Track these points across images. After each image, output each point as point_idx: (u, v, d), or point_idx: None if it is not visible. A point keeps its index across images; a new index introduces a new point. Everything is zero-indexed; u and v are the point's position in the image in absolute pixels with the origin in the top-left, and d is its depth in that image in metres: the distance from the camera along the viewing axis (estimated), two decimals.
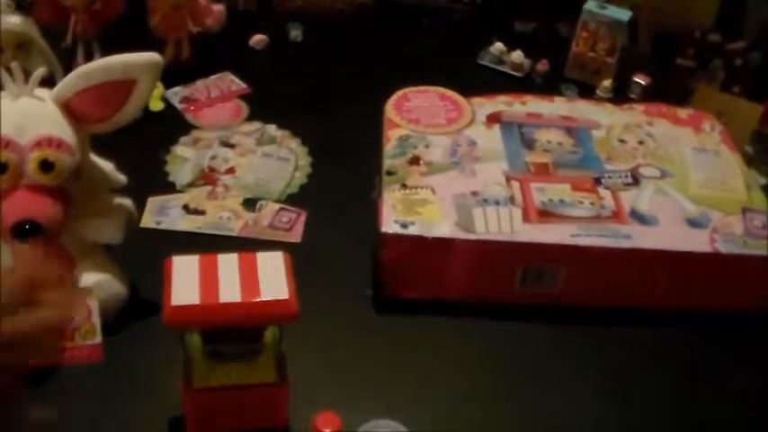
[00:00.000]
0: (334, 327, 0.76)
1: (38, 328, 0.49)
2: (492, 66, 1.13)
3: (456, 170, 0.80)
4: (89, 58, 1.03)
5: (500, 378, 0.73)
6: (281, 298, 0.59)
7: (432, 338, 0.76)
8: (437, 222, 0.74)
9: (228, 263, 0.61)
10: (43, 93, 0.67)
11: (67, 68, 1.00)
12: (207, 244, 0.82)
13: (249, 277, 0.59)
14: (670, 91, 1.59)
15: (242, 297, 0.58)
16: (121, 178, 0.75)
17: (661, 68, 1.63)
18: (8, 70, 0.65)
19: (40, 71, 0.66)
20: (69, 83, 0.67)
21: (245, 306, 0.58)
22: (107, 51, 1.02)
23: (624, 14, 1.07)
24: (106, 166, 0.74)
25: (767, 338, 0.78)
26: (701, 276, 0.77)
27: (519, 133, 0.86)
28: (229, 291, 0.59)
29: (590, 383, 0.73)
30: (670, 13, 1.61)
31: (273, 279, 0.60)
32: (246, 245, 0.82)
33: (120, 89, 0.67)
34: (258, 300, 0.58)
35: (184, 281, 0.59)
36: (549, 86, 1.10)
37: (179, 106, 1.01)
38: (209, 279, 0.59)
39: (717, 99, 1.51)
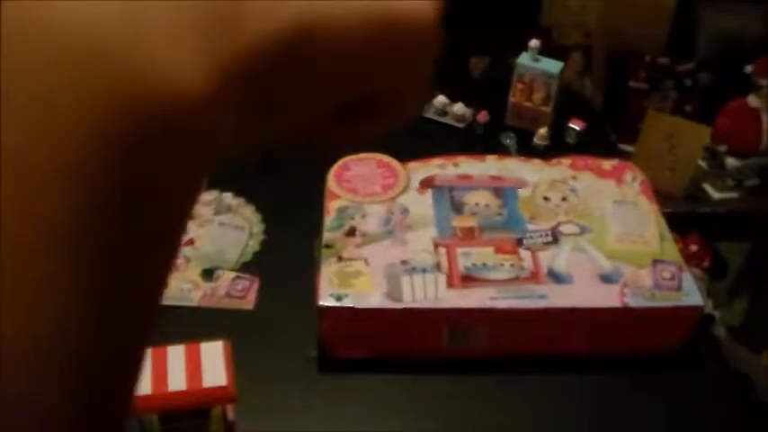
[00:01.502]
0: (281, 388, 0.84)
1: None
2: (436, 118, 1.21)
3: (389, 239, 0.88)
4: None
5: (436, 428, 0.81)
6: (220, 385, 0.67)
7: (371, 393, 0.84)
8: (368, 293, 0.82)
9: (176, 353, 0.69)
10: None
11: None
12: (169, 315, 0.90)
13: (193, 367, 0.68)
14: (625, 114, 1.67)
15: (187, 385, 0.67)
16: None
17: (615, 91, 1.70)
18: None
19: None
20: None
21: (189, 393, 0.67)
22: None
23: (555, 66, 1.15)
24: None
25: (674, 375, 0.87)
26: (613, 328, 0.84)
27: (449, 197, 0.94)
28: (177, 379, 0.67)
29: (524, 426, 0.81)
30: (623, 37, 1.68)
31: (214, 367, 0.68)
32: (205, 315, 0.91)
33: None
34: (200, 387, 0.67)
35: None
36: (489, 135, 1.18)
37: None
38: (159, 369, 0.68)
39: (666, 122, 1.59)
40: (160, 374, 0.67)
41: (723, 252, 1.78)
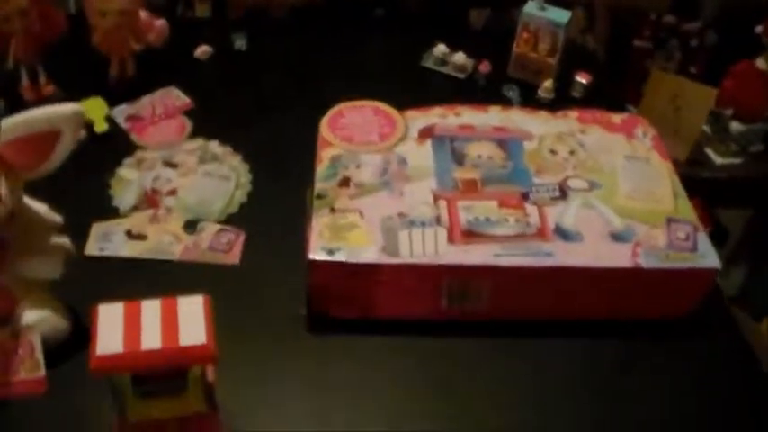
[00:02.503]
0: (266, 347, 0.78)
1: None
2: (435, 68, 1.14)
3: (385, 191, 0.82)
4: (34, 80, 1.04)
5: (431, 394, 0.76)
6: (199, 343, 0.61)
7: (362, 357, 0.78)
8: (363, 247, 0.76)
9: (151, 309, 0.63)
10: None
11: (13, 93, 1.02)
12: (148, 270, 0.84)
13: (170, 323, 0.62)
14: (628, 74, 1.61)
15: (162, 343, 0.61)
16: (57, 218, 0.77)
17: (618, 51, 1.64)
18: None
19: None
20: None
21: (165, 352, 0.61)
22: (51, 72, 1.04)
23: (564, 15, 1.08)
24: (41, 208, 0.76)
25: (688, 340, 0.82)
26: (624, 290, 0.79)
27: (450, 148, 0.87)
28: (151, 337, 0.61)
29: (522, 394, 0.76)
30: None
31: (193, 324, 0.62)
32: (186, 269, 0.84)
33: (44, 140, 0.68)
34: (177, 346, 0.61)
35: (109, 329, 0.61)
36: (491, 87, 1.12)
37: (124, 125, 1.02)
38: (132, 326, 0.62)
39: (671, 82, 1.53)
40: (133, 331, 0.61)
41: (723, 219, 1.73)
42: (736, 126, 1.56)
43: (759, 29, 1.47)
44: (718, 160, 1.60)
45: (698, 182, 1.56)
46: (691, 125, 1.50)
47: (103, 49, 1.06)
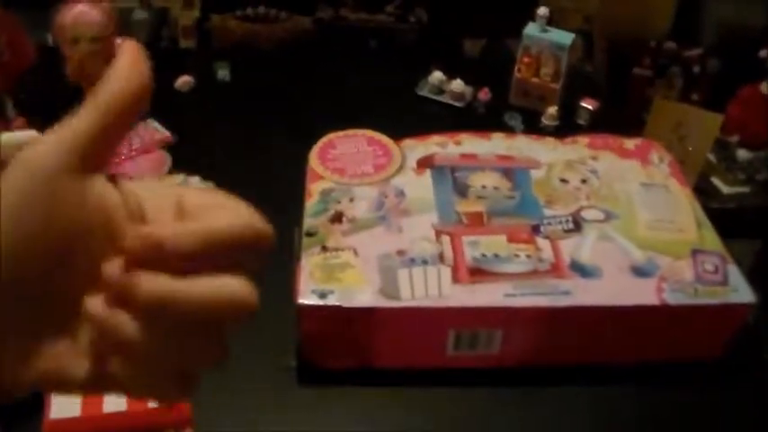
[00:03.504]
0: (256, 400, 0.70)
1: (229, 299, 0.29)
2: (432, 96, 1.07)
3: (382, 226, 0.74)
4: (2, 114, 0.97)
5: None
6: (171, 405, 0.53)
7: (360, 411, 0.70)
8: (358, 289, 0.68)
9: None
10: None
11: None
12: None
13: None
14: (628, 103, 1.55)
15: (128, 405, 0.52)
16: None
17: (618, 80, 1.58)
18: None
19: None
20: None
21: (131, 415, 0.52)
22: (23, 105, 0.97)
23: (567, 38, 1.02)
24: None
25: (719, 386, 0.74)
26: (649, 330, 0.71)
27: (452, 179, 0.80)
28: (113, 398, 0.53)
29: None
30: (625, 23, 1.56)
31: None
32: None
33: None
34: (145, 408, 0.52)
35: None
36: (491, 116, 1.05)
37: None
38: None
39: (674, 110, 1.46)
40: None
41: (733, 251, 1.67)
42: (742, 153, 1.50)
43: (764, 53, 1.41)
44: (725, 189, 1.53)
45: (705, 212, 1.48)
46: (696, 153, 1.44)
47: (77, 78, 0.98)
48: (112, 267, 0.28)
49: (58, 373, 0.29)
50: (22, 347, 0.28)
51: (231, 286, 0.29)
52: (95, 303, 0.28)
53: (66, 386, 0.29)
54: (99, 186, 0.29)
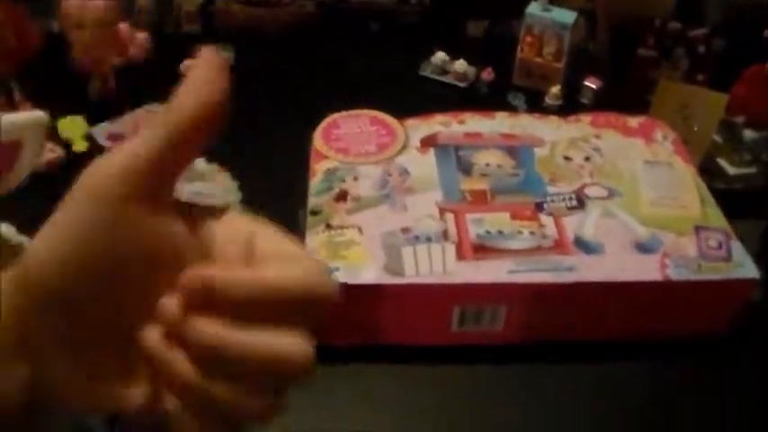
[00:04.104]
0: None
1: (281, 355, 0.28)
2: (434, 77, 1.07)
3: (386, 204, 0.75)
4: (9, 99, 0.97)
5: (442, 425, 0.68)
6: None
7: (365, 387, 0.70)
8: (363, 266, 0.69)
9: None
10: None
11: None
12: None
13: None
14: (632, 83, 1.55)
15: None
16: (23, 240, 0.70)
17: (622, 60, 1.58)
18: None
19: None
20: None
21: None
22: (30, 91, 0.98)
23: (569, 16, 1.02)
24: (8, 230, 0.69)
25: (724, 362, 0.74)
26: (653, 305, 0.71)
27: (455, 157, 0.80)
28: None
29: (543, 424, 0.68)
30: (628, 1, 1.56)
31: None
32: None
33: (4, 152, 0.61)
34: None
35: None
36: (495, 96, 1.05)
37: (105, 144, 0.95)
38: None
39: (680, 91, 1.45)
40: None
41: (739, 231, 1.67)
42: (748, 134, 1.49)
43: None
44: (731, 170, 1.53)
45: (711, 193, 1.48)
46: (701, 134, 1.43)
47: (83, 65, 0.99)
48: (169, 303, 0.27)
49: (112, 398, 0.28)
50: (72, 366, 0.27)
51: (286, 344, 0.28)
52: (152, 336, 0.27)
53: (120, 411, 0.28)
54: (163, 215, 0.28)
